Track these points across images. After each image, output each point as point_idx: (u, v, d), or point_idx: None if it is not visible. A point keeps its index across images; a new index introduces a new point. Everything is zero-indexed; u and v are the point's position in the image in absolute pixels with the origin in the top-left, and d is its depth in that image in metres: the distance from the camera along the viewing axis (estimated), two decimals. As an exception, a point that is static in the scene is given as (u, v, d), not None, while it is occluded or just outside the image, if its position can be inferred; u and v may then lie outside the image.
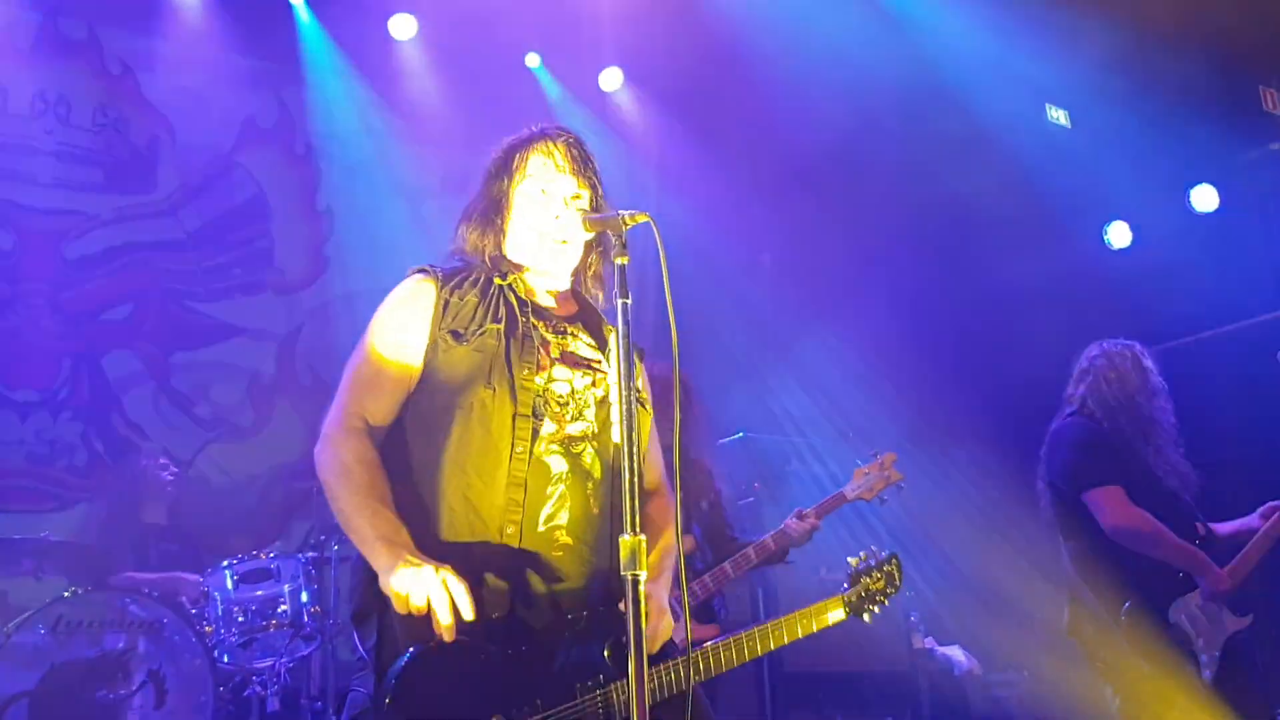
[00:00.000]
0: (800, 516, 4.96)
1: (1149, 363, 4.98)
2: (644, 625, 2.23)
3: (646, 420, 2.99)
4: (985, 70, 7.11)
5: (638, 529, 2.26)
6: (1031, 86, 7.43)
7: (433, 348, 2.79)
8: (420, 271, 2.91)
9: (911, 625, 6.61)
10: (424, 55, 7.94)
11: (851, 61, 6.93)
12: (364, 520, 2.60)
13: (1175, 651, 4.54)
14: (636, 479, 2.30)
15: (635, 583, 2.24)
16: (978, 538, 6.49)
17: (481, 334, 2.79)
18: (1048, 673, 6.43)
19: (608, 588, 2.76)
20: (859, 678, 6.28)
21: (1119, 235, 7.78)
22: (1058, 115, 7.74)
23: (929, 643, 6.82)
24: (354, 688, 4.91)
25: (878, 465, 5.01)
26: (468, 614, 2.47)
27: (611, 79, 8.36)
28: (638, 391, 2.92)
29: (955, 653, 6.93)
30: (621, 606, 2.28)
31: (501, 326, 2.80)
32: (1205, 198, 7.37)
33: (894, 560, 3.16)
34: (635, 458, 2.33)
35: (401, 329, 2.80)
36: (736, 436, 7.29)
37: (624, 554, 2.26)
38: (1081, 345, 5.17)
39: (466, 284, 2.88)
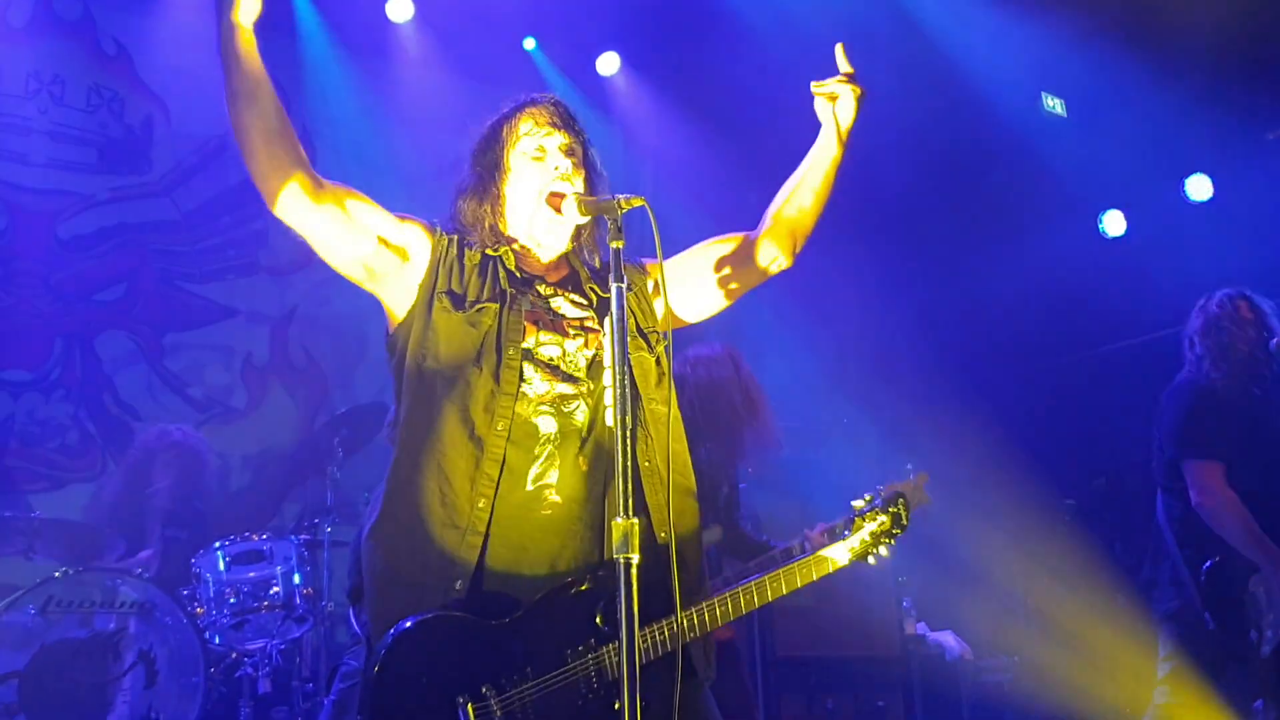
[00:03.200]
0: (825, 533, 4.67)
1: (1272, 319, 4.90)
2: (635, 607, 2.23)
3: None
4: (981, 58, 7.10)
5: (630, 513, 2.26)
6: (1027, 75, 7.41)
7: (426, 303, 2.82)
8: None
9: (904, 611, 6.60)
10: (421, 38, 7.89)
11: (848, 48, 6.90)
12: None
13: (1241, 617, 4.52)
14: (630, 461, 2.29)
15: (627, 566, 2.24)
16: (970, 523, 6.49)
17: (480, 310, 2.80)
18: (1039, 659, 6.46)
19: (605, 543, 2.74)
20: (850, 663, 6.28)
21: (1114, 224, 7.78)
22: (1053, 104, 7.73)
23: (921, 628, 6.83)
24: (346, 661, 4.92)
25: (910, 485, 4.61)
26: None
27: (609, 63, 8.33)
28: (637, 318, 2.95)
29: (947, 638, 6.93)
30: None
31: (497, 306, 2.81)
32: (1200, 187, 7.38)
33: (900, 500, 3.02)
34: (629, 440, 2.31)
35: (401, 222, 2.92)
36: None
37: (616, 537, 2.25)
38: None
39: (465, 249, 2.91)
